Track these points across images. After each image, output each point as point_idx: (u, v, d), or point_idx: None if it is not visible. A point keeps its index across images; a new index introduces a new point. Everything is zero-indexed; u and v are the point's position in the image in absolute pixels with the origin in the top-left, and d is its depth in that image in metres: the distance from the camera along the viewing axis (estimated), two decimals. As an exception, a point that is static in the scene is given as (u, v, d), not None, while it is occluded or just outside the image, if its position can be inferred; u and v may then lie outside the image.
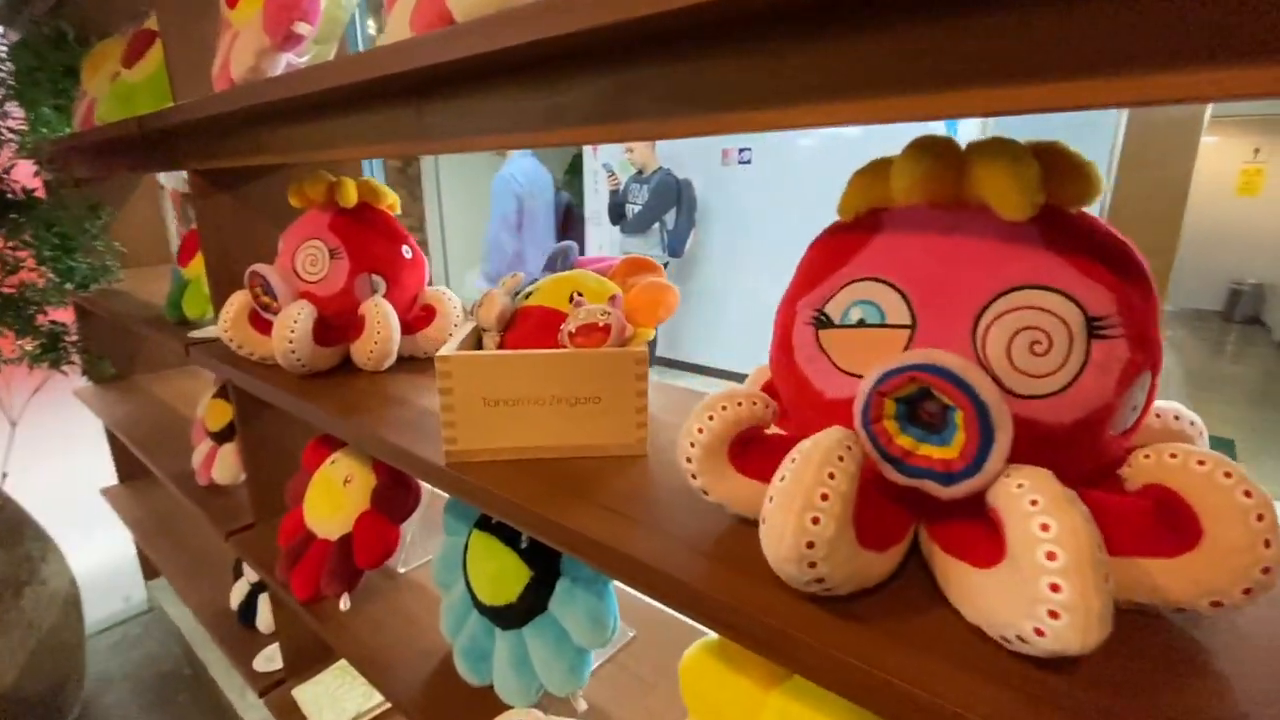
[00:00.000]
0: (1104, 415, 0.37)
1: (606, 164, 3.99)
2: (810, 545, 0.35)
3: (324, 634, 0.93)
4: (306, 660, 1.27)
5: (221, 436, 1.25)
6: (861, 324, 0.41)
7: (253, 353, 0.88)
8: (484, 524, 0.81)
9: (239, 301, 0.86)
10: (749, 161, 4.03)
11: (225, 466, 1.22)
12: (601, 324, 0.59)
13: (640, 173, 3.68)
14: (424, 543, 1.07)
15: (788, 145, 3.83)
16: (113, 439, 1.85)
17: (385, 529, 0.93)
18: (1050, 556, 0.30)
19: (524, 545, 0.76)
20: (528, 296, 0.69)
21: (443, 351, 0.58)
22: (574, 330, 0.59)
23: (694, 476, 0.47)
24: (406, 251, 0.92)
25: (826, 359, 0.43)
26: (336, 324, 0.87)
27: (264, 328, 0.87)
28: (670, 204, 3.63)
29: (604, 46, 0.42)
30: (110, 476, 1.93)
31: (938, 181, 0.39)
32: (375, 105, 0.61)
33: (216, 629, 1.40)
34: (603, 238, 4.65)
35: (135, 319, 1.27)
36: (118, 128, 1.03)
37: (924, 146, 0.39)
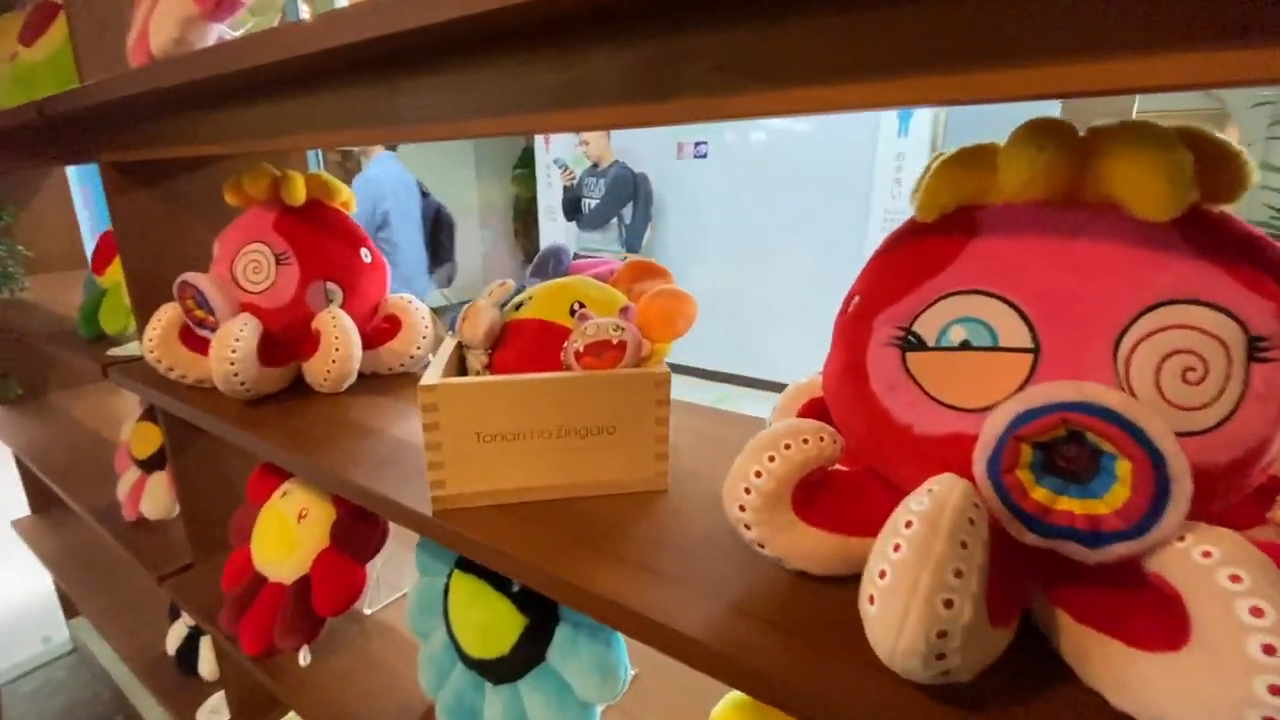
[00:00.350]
0: (1260, 452, 0.31)
1: (559, 160, 3.87)
2: (942, 635, 0.27)
3: (279, 692, 0.82)
4: (258, 710, 1.14)
5: (150, 464, 1.11)
6: (966, 346, 0.33)
7: (185, 375, 0.76)
8: (466, 564, 0.71)
9: (167, 316, 0.74)
10: (705, 155, 3.98)
11: (156, 499, 1.08)
12: (615, 341, 0.50)
13: (595, 166, 3.58)
14: (393, 578, 0.96)
15: (742, 140, 3.80)
16: (23, 465, 1.65)
17: (349, 570, 0.82)
18: (1269, 650, 0.24)
19: (516, 589, 0.67)
20: (518, 308, 0.60)
21: (426, 380, 0.48)
22: (582, 349, 0.51)
23: (748, 527, 0.39)
24: (365, 255, 0.81)
25: (915, 387, 0.35)
26: (286, 340, 0.75)
27: (198, 346, 0.75)
28: (627, 198, 3.55)
29: (644, 4, 0.33)
30: (22, 506, 1.73)
31: (1060, 174, 0.32)
32: (334, 83, 0.51)
33: (152, 678, 1.25)
34: (557, 233, 4.54)
35: (43, 335, 1.10)
36: (15, 115, 0.87)
37: (1045, 131, 0.32)
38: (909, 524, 0.29)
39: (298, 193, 0.74)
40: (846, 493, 0.40)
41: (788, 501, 0.38)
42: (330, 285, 0.76)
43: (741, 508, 0.39)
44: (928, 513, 0.29)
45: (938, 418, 0.35)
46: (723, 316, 3.95)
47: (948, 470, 0.34)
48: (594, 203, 3.56)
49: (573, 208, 3.65)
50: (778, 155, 3.68)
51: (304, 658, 0.82)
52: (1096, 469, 0.29)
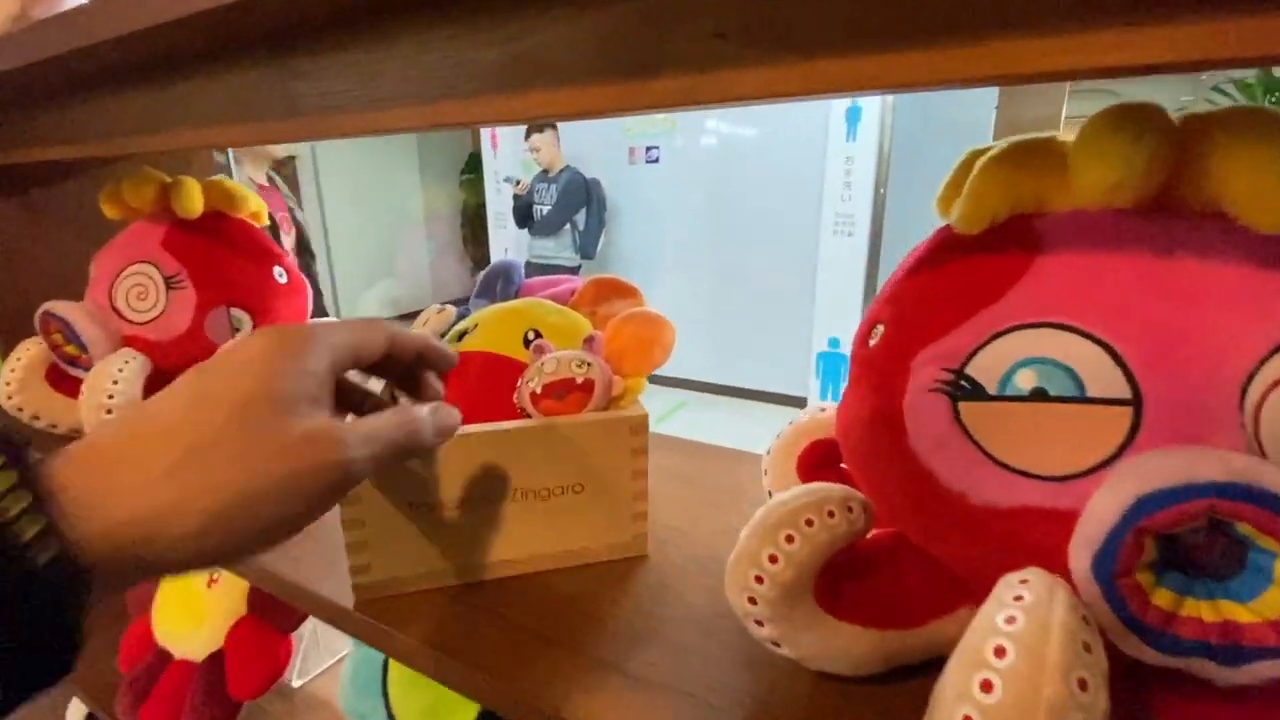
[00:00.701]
0: None
1: (509, 177, 3.76)
2: (1062, 816, 0.20)
3: (190, 790, 0.69)
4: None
5: (36, 518, 0.95)
6: (1041, 396, 0.26)
7: (55, 424, 0.63)
8: (409, 633, 0.61)
9: (29, 354, 0.61)
10: (657, 160, 3.93)
11: (42, 559, 0.93)
12: (580, 379, 0.42)
13: (546, 172, 3.49)
14: (329, 639, 0.84)
15: (694, 144, 3.77)
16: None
17: (271, 641, 0.71)
18: None
19: (467, 662, 0.58)
20: (461, 338, 0.50)
21: (344, 437, 0.38)
22: (540, 390, 0.42)
23: (760, 624, 0.31)
24: (280, 274, 0.70)
25: (971, 446, 0.28)
26: (183, 378, 0.63)
27: (71, 388, 0.62)
28: (580, 203, 3.47)
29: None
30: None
31: (1156, 175, 0.25)
32: (215, 66, 0.40)
33: (47, 760, 1.08)
34: (508, 241, 4.40)
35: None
36: None
37: (1139, 119, 0.25)
38: (1001, 651, 0.21)
39: (192, 203, 0.62)
40: (878, 574, 0.32)
41: (810, 591, 0.30)
42: (236, 312, 0.65)
43: (752, 600, 0.30)
44: (1026, 637, 0.21)
45: (1002, 485, 0.27)
46: (678, 321, 3.86)
47: (1012, 551, 0.27)
48: (546, 209, 3.47)
49: (524, 215, 3.55)
50: (729, 159, 3.66)
51: (216, 750, 0.70)
52: (1239, 564, 0.22)
